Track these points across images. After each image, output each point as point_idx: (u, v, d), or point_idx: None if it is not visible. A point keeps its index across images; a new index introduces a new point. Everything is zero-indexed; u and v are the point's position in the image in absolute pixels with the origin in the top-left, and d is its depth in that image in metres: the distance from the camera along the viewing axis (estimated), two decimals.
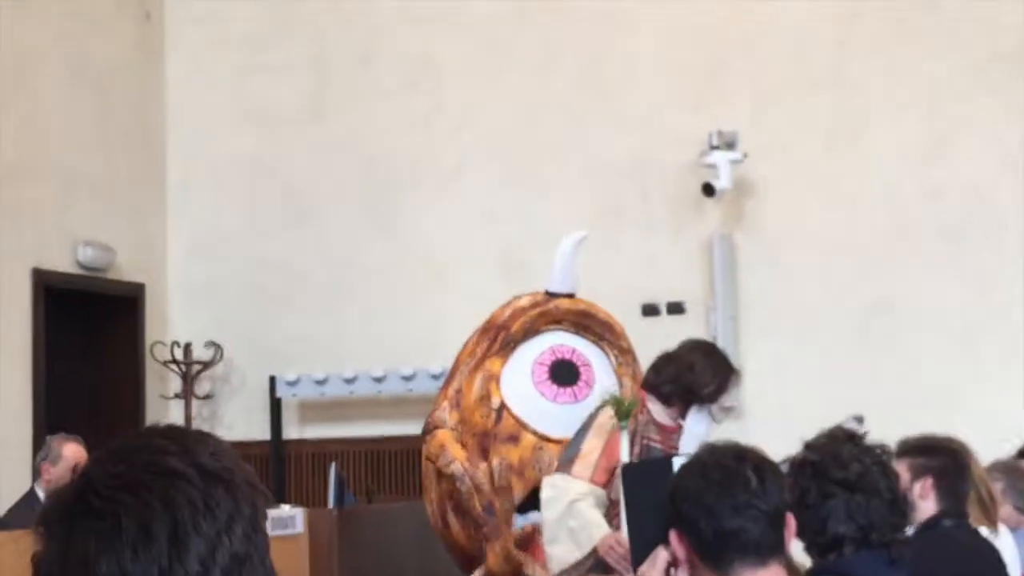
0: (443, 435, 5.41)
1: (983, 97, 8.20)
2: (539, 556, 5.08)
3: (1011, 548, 5.08)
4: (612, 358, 5.60)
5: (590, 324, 5.62)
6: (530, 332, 5.49)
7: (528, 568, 5.17)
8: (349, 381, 8.54)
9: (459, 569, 5.79)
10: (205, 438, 1.73)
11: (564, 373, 5.43)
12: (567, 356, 5.46)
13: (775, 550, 2.62)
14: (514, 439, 5.32)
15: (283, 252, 8.84)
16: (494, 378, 5.43)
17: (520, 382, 5.43)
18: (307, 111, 8.90)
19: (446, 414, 5.47)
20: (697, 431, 5.13)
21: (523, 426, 5.33)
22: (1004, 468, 5.58)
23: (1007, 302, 8.09)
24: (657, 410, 5.10)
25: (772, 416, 7.99)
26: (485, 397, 5.41)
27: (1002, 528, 5.05)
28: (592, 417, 5.08)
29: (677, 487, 2.67)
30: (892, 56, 8.30)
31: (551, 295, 5.68)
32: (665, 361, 5.26)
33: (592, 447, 4.97)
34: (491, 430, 5.35)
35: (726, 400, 5.20)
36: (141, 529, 1.63)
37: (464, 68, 8.76)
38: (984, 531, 4.65)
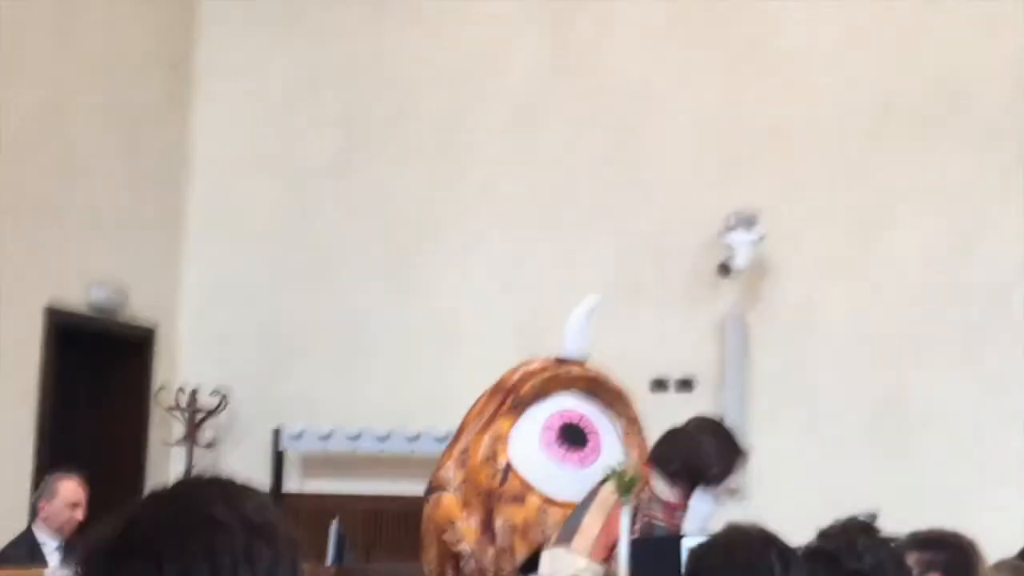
0: (449, 503, 5.38)
1: (1007, 200, 8.22)
2: None
3: None
4: (620, 427, 5.60)
5: (600, 391, 5.63)
6: (540, 395, 5.50)
7: None
8: (353, 437, 8.52)
9: None
10: (251, 492, 1.75)
11: (572, 437, 5.43)
12: (576, 421, 5.47)
13: None
14: (519, 500, 5.30)
15: (297, 305, 8.84)
16: (502, 438, 5.42)
17: (528, 444, 5.42)
18: (333, 167, 8.93)
19: (451, 473, 5.45)
20: (701, 511, 5.11)
21: (529, 488, 5.30)
22: (1009, 567, 5.53)
23: (1019, 405, 8.06)
24: (661, 487, 5.08)
25: (775, 501, 7.94)
26: (492, 457, 5.40)
27: None
28: (594, 491, 5.06)
29: (700, 566, 2.65)
30: (919, 153, 8.33)
31: (562, 360, 5.69)
32: (672, 438, 5.24)
33: (593, 522, 4.94)
34: (496, 490, 5.33)
35: (732, 482, 5.20)
36: (181, 574, 1.63)
37: (493, 136, 8.80)
38: None
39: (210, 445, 8.82)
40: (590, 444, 5.41)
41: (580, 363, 5.70)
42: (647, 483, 5.05)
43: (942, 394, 8.13)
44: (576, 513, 5.04)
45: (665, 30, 8.69)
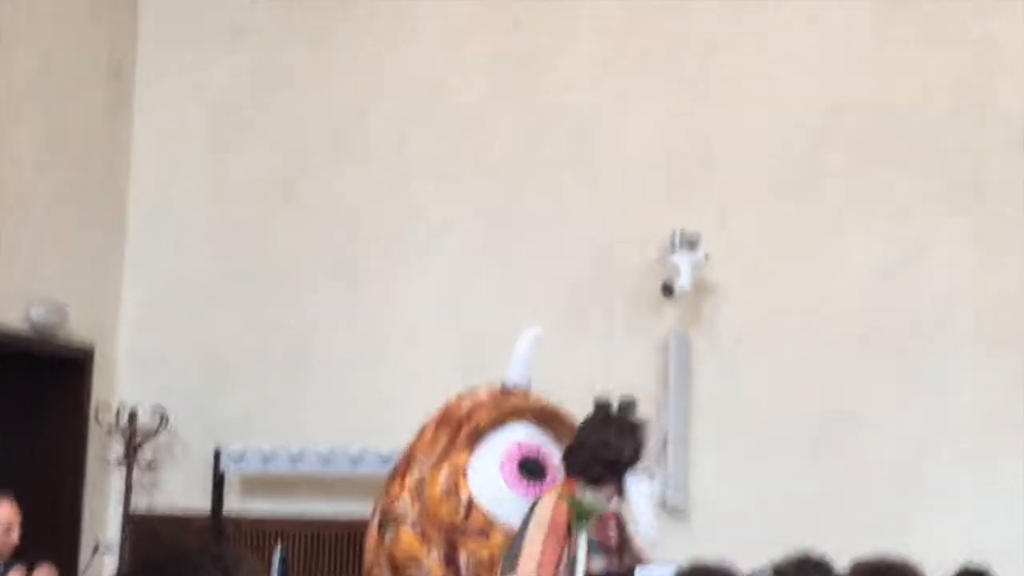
0: (409, 539, 5.35)
1: (949, 220, 8.32)
2: None
3: None
4: None
5: (551, 421, 5.64)
6: (495, 425, 5.49)
7: None
8: (295, 458, 8.44)
9: None
10: (243, 562, 1.74)
11: (532, 469, 5.43)
12: (534, 453, 5.47)
13: None
14: (484, 534, 5.29)
15: (239, 324, 8.76)
16: (461, 471, 5.40)
17: (489, 477, 5.41)
18: (278, 185, 8.86)
19: (407, 505, 5.42)
20: (642, 495, 5.15)
21: (493, 521, 5.29)
22: None
23: (959, 423, 8.16)
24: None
25: (719, 522, 8.00)
26: (452, 491, 5.37)
27: None
28: (529, 513, 5.07)
29: None
30: (860, 174, 8.42)
31: (507, 389, 5.70)
32: (576, 447, 5.29)
33: (534, 543, 4.94)
34: (460, 524, 5.31)
35: (649, 455, 5.26)
36: None
37: (438, 157, 8.76)
38: None
39: (149, 466, 8.72)
40: (549, 476, 5.42)
41: (524, 392, 5.72)
42: (608, 517, 5.07)
43: (885, 413, 8.20)
44: (516, 539, 5.04)
45: (610, 53, 8.72)
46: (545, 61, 8.76)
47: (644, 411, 8.04)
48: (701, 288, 8.37)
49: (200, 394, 8.71)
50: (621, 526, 5.17)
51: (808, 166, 8.47)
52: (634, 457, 5.21)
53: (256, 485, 8.69)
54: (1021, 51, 8.36)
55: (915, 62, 8.44)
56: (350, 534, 8.41)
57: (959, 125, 8.35)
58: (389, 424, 8.35)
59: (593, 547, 5.04)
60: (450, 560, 5.37)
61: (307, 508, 8.59)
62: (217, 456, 8.49)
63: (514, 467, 5.46)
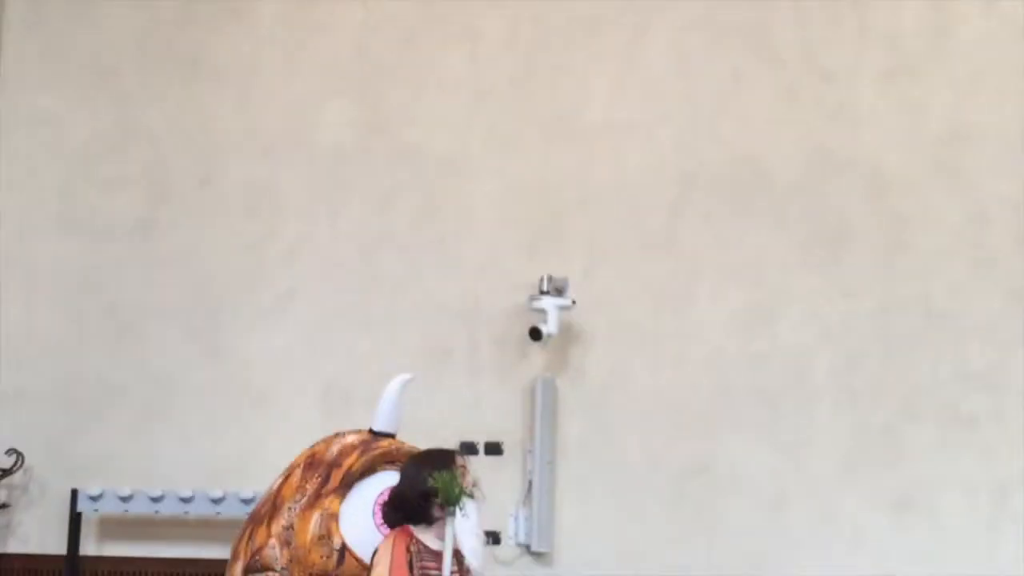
0: None
1: (807, 273, 8.53)
2: None
3: None
4: None
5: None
6: (367, 471, 5.46)
7: None
8: (156, 499, 8.32)
9: None
10: None
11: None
12: None
13: None
14: None
15: (99, 364, 8.62)
16: (334, 517, 5.36)
17: (361, 523, 5.38)
18: (138, 225, 8.76)
19: (276, 551, 5.35)
20: (464, 529, 5.14)
21: (366, 567, 5.26)
22: None
23: (817, 472, 8.33)
24: (426, 537, 5.13)
25: (582, 566, 8.05)
26: (325, 537, 5.33)
27: None
28: (375, 552, 5.12)
29: None
30: (723, 226, 8.59)
31: (375, 434, 5.69)
32: (398, 490, 5.29)
33: (380, 571, 4.98)
34: (332, 571, 5.28)
35: (467, 480, 5.24)
36: None
37: (302, 198, 8.76)
38: None
39: (4, 506, 8.52)
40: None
41: (391, 435, 5.73)
42: (413, 538, 5.08)
43: (743, 461, 8.35)
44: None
45: (476, 98, 8.80)
46: (410, 106, 8.81)
47: (509, 454, 8.16)
48: (568, 334, 8.46)
49: (57, 435, 8.54)
50: (459, 560, 5.17)
51: (671, 218, 8.63)
52: (451, 496, 5.19)
53: (115, 527, 8.53)
54: (876, 112, 8.63)
55: (775, 120, 8.66)
56: (210, 575, 8.30)
57: (817, 182, 8.59)
58: (252, 468, 8.30)
59: None
60: None
61: (167, 551, 8.45)
62: (74, 496, 8.32)
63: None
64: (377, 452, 5.54)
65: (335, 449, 5.60)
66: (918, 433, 8.33)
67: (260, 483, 8.14)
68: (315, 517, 5.41)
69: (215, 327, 8.69)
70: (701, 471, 8.36)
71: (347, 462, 5.50)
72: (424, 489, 5.09)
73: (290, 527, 5.42)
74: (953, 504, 8.20)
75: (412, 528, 5.13)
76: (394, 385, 5.85)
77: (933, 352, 8.41)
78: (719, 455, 8.38)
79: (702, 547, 8.18)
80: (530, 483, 8.30)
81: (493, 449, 8.37)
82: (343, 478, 5.45)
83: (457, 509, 4.97)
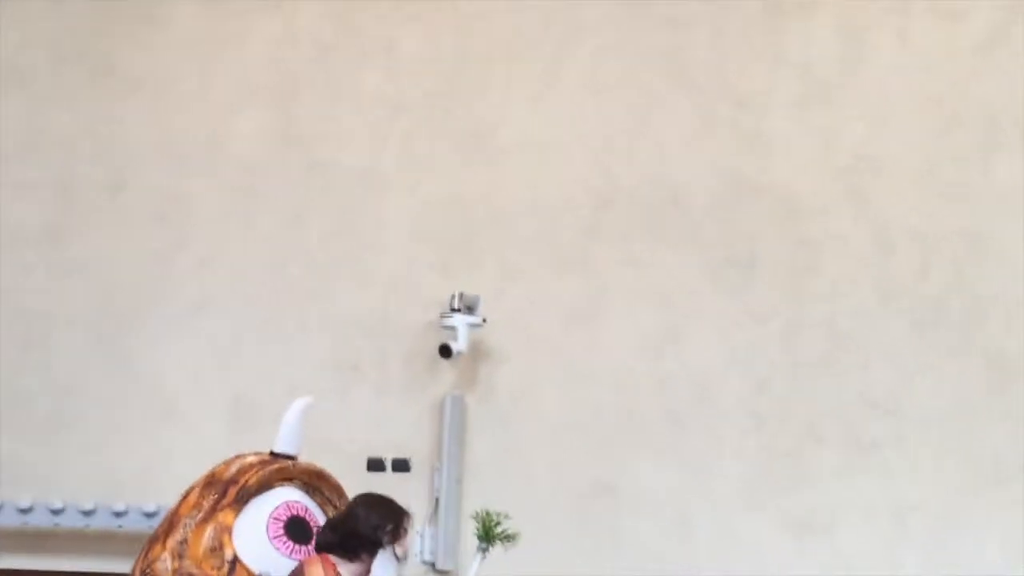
0: None
1: (716, 296, 8.60)
2: None
3: None
4: None
5: (321, 486, 5.69)
6: (264, 487, 5.49)
7: None
8: (56, 512, 8.21)
9: None
10: None
11: (299, 530, 5.45)
12: (302, 514, 5.49)
13: None
14: None
15: (2, 371, 8.49)
16: (227, 530, 5.37)
17: (254, 536, 5.39)
18: (46, 231, 8.66)
19: (167, 563, 5.34)
20: (387, 574, 5.26)
21: None
22: None
23: (722, 494, 8.41)
24: (345, 571, 5.21)
25: None
26: (217, 549, 5.33)
27: None
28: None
29: None
30: (635, 248, 8.65)
31: (276, 455, 5.73)
32: (340, 520, 5.42)
33: None
34: None
35: (405, 542, 5.37)
36: None
37: (212, 209, 8.70)
38: None
39: None
40: (314, 539, 5.46)
41: (293, 457, 5.76)
42: (333, 571, 5.12)
43: (649, 481, 8.39)
44: None
45: (391, 113, 8.79)
46: (323, 119, 8.78)
47: (417, 470, 8.14)
48: (478, 351, 8.47)
49: None
50: None
51: (584, 238, 8.67)
52: (392, 536, 5.39)
53: (13, 540, 8.41)
54: (788, 138, 8.74)
55: (689, 144, 8.73)
56: None
57: (730, 206, 8.67)
58: (157, 480, 8.22)
59: None
60: None
61: (68, 564, 8.34)
62: None
63: (280, 527, 5.47)
64: (274, 468, 5.58)
65: (234, 468, 5.62)
66: (822, 457, 8.43)
67: (164, 496, 8.08)
68: (208, 530, 5.42)
69: (123, 337, 8.60)
70: (607, 491, 8.40)
71: (243, 478, 5.52)
72: (376, 525, 5.16)
73: (184, 541, 5.41)
74: (853, 528, 8.30)
75: (335, 560, 5.21)
76: (295, 409, 5.90)
77: (838, 376, 8.51)
78: (625, 475, 8.42)
79: (607, 567, 8.22)
80: (437, 500, 8.30)
81: (401, 465, 8.34)
82: (239, 493, 5.46)
83: (485, 548, 5.03)
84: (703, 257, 8.62)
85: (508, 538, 5.25)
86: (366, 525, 5.26)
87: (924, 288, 8.52)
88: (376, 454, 8.22)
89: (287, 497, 5.52)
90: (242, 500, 5.46)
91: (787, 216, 8.66)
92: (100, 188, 8.72)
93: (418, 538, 8.28)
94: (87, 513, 8.18)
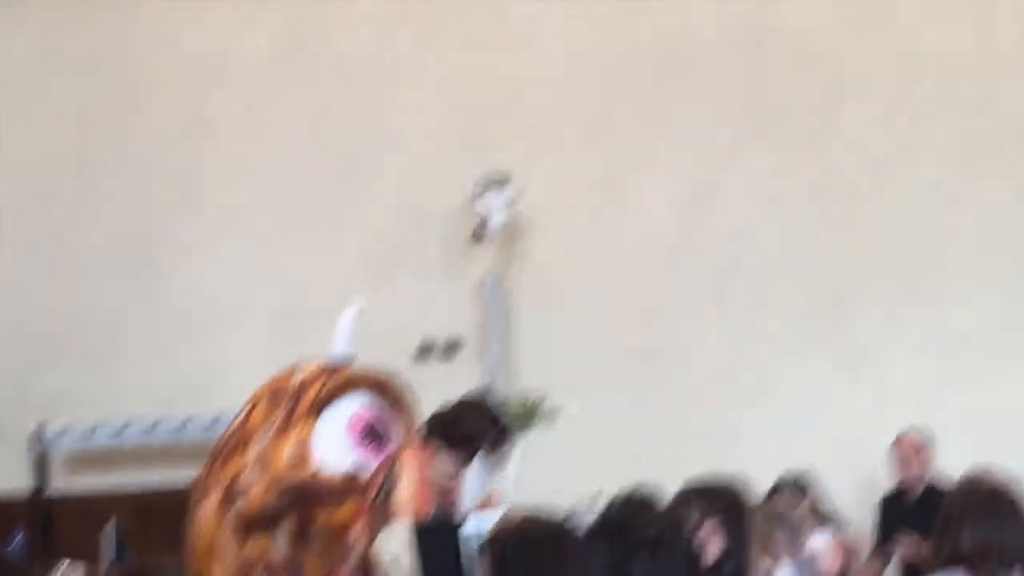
0: (260, 505, 5.34)
1: (743, 149, 8.58)
2: None
3: None
4: (402, 427, 5.67)
5: (388, 390, 5.72)
6: (335, 395, 5.52)
7: None
8: (119, 431, 8.36)
9: None
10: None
11: (376, 436, 5.48)
12: (375, 419, 5.53)
13: None
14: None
15: (48, 300, 8.59)
16: (306, 441, 5.41)
17: (335, 445, 5.43)
18: (74, 158, 8.68)
19: (254, 475, 5.40)
20: (475, 484, 5.21)
21: (341, 488, 5.31)
22: (763, 505, 5.85)
23: (766, 345, 8.47)
24: (438, 468, 5.16)
25: (546, 458, 8.15)
26: (300, 461, 5.37)
27: (781, 565, 5.31)
28: (390, 468, 5.15)
29: (503, 558, 2.74)
30: (656, 109, 8.62)
31: (335, 362, 5.75)
32: (441, 417, 5.39)
33: (407, 486, 5.00)
34: (310, 486, 5.33)
35: (503, 453, 5.27)
36: None
37: (235, 117, 8.69)
38: (763, 568, 4.88)
39: None
40: (392, 441, 5.46)
41: (351, 363, 5.79)
42: (424, 465, 5.13)
43: (691, 341, 8.47)
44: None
45: (403, 4, 8.72)
46: (337, 10, 8.71)
47: (465, 353, 8.23)
48: (513, 229, 8.49)
49: (15, 375, 8.53)
50: None
51: (607, 104, 8.64)
52: (492, 445, 5.24)
53: (81, 462, 8.57)
54: None
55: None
56: (178, 502, 8.33)
57: (749, 57, 8.61)
58: (212, 391, 8.33)
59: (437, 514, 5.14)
60: (301, 528, 5.41)
61: (134, 481, 8.50)
62: (38, 434, 8.34)
63: (358, 435, 5.52)
64: (342, 376, 5.59)
65: (298, 378, 5.63)
66: (866, 298, 8.48)
67: (220, 406, 8.20)
68: (288, 443, 5.45)
69: (161, 256, 8.66)
70: (651, 353, 8.47)
71: (312, 389, 5.55)
72: (480, 430, 5.11)
73: (263, 455, 5.47)
74: (903, 366, 8.37)
75: (434, 452, 5.17)
76: (349, 313, 5.89)
77: (876, 216, 8.52)
78: (668, 336, 8.48)
79: (658, 427, 8.31)
80: (488, 381, 8.38)
81: (451, 348, 8.42)
82: (312, 404, 5.49)
83: (525, 432, 4.95)
84: (727, 111, 8.58)
85: (548, 416, 5.18)
86: (471, 427, 5.18)
87: (954, 112, 8.48)
88: (422, 342, 8.31)
89: (359, 404, 5.55)
90: (316, 410, 5.48)
91: (811, 58, 8.59)
92: (122, 111, 8.71)
93: None
94: (149, 429, 8.33)
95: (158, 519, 8.40)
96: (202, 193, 8.66)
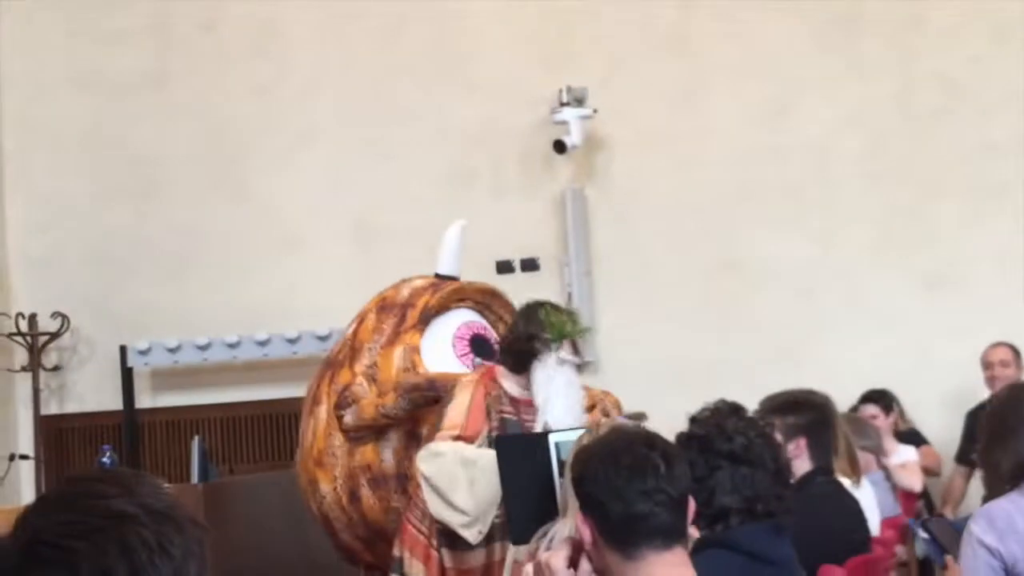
0: (372, 409, 5.41)
1: (822, 58, 8.47)
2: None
3: (870, 495, 5.34)
4: None
5: (493, 303, 5.76)
6: (443, 308, 5.57)
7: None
8: (202, 348, 8.45)
9: (345, 561, 5.82)
10: (143, 477, 1.72)
11: (482, 348, 5.53)
12: (481, 332, 5.59)
13: (680, 534, 2.72)
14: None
15: (128, 220, 8.67)
16: (416, 351, 5.46)
17: (442, 355, 5.49)
18: (149, 77, 8.72)
19: (364, 387, 5.48)
20: (550, 384, 5.08)
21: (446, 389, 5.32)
22: (846, 419, 5.82)
23: (847, 257, 8.41)
24: (509, 383, 5.11)
25: (625, 371, 8.18)
26: (410, 369, 5.43)
27: (864, 480, 5.29)
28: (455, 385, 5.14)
29: (585, 471, 2.74)
30: (732, 19, 8.51)
31: (441, 277, 5.79)
32: (504, 335, 5.32)
33: (460, 404, 4.99)
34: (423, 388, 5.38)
35: (566, 350, 5.13)
36: (100, 574, 1.62)
37: (310, 33, 8.69)
38: (847, 482, 4.86)
39: (56, 368, 8.69)
40: (497, 353, 5.48)
41: (456, 278, 5.83)
42: (495, 380, 5.10)
43: (771, 254, 8.42)
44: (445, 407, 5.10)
45: None
46: None
47: (546, 268, 8.22)
48: (591, 143, 8.46)
49: (99, 293, 8.65)
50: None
51: (682, 15, 8.55)
52: (548, 341, 5.10)
53: (166, 379, 8.71)
54: None
55: None
56: (264, 416, 8.51)
57: None
58: (293, 307, 8.41)
59: (513, 427, 5.08)
60: (411, 433, 5.46)
61: (219, 397, 8.62)
62: (123, 352, 8.47)
63: (465, 345, 5.57)
64: (451, 289, 5.63)
65: (405, 292, 5.69)
66: (946, 209, 8.37)
67: (303, 322, 8.31)
68: (397, 352, 5.50)
69: (237, 173, 8.70)
70: (731, 266, 8.44)
71: (421, 301, 5.58)
72: (530, 335, 5.01)
73: (373, 365, 5.52)
74: (985, 275, 8.26)
75: (498, 372, 5.11)
76: (453, 230, 5.96)
77: (955, 125, 8.38)
78: (747, 249, 8.44)
79: (738, 342, 8.29)
80: (569, 295, 8.38)
81: (529, 265, 8.39)
82: (420, 314, 5.53)
83: (558, 346, 4.90)
84: (803, 20, 8.46)
85: (582, 332, 5.09)
86: (519, 337, 5.06)
87: None
88: (503, 257, 8.30)
89: (465, 317, 5.60)
90: (424, 321, 5.53)
91: None
92: (195, 28, 8.74)
93: None
94: (232, 346, 8.42)
95: (242, 434, 8.58)
96: (279, 109, 8.67)
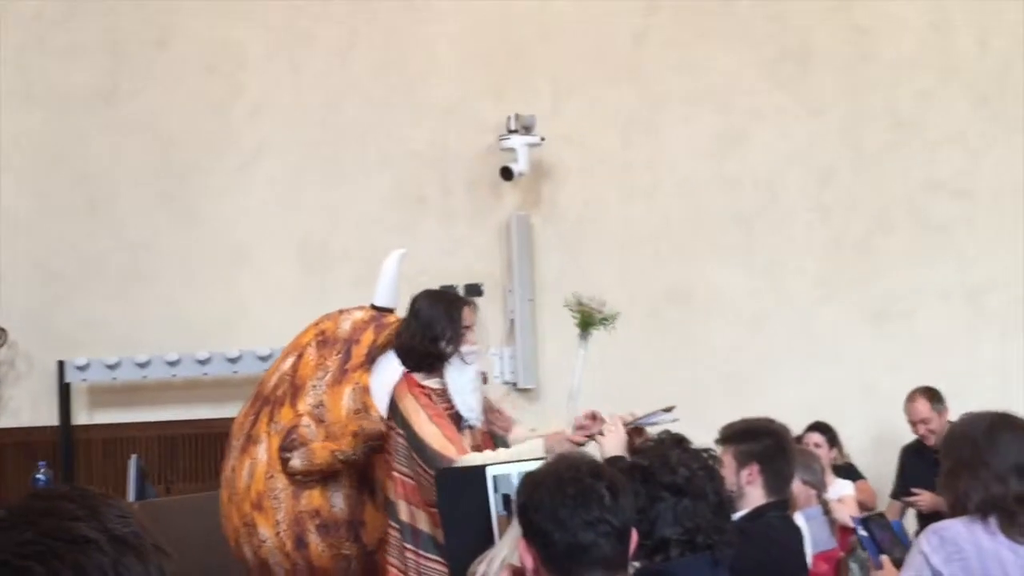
0: (324, 456, 5.32)
1: (773, 93, 8.51)
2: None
3: (804, 530, 5.31)
4: None
5: None
6: (389, 345, 5.42)
7: None
8: (142, 365, 8.36)
9: None
10: (111, 501, 1.69)
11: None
12: None
13: (621, 566, 2.71)
14: None
15: (74, 235, 8.58)
16: (367, 391, 5.36)
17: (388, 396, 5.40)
18: (100, 93, 8.64)
19: (311, 429, 5.36)
20: (462, 383, 5.06)
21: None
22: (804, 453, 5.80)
23: (795, 289, 8.44)
24: (428, 381, 5.07)
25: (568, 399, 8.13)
26: (362, 410, 5.33)
27: (798, 515, 5.27)
28: (396, 407, 5.09)
29: (530, 499, 2.72)
30: (687, 51, 8.54)
31: (378, 309, 5.72)
32: (397, 335, 5.21)
33: (431, 431, 4.91)
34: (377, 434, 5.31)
35: (471, 342, 5.12)
36: None
37: (262, 53, 8.65)
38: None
39: None
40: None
41: (392, 310, 5.74)
42: (415, 387, 5.06)
43: (721, 284, 8.43)
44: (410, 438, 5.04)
45: None
46: None
47: (490, 295, 8.20)
48: (539, 171, 8.45)
49: (38, 309, 8.54)
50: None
51: (635, 46, 8.57)
52: (454, 341, 5.08)
53: (104, 396, 8.60)
54: None
55: None
56: (201, 435, 8.42)
57: (776, 2, 8.51)
58: (236, 327, 8.35)
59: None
60: (362, 476, 5.39)
61: (158, 415, 8.52)
62: (61, 368, 8.37)
63: (415, 383, 5.51)
64: (394, 327, 5.50)
65: (347, 326, 5.58)
66: (892, 244, 8.43)
67: (244, 342, 8.24)
68: (347, 392, 5.39)
69: (186, 190, 8.63)
70: (678, 297, 8.46)
71: (365, 337, 5.49)
72: (434, 337, 5.01)
73: (320, 404, 5.40)
74: (930, 311, 8.33)
75: (415, 376, 5.06)
76: (391, 261, 5.86)
77: (902, 162, 8.45)
78: (696, 280, 8.46)
79: (685, 372, 8.30)
80: (512, 322, 8.37)
81: (473, 291, 8.41)
82: (368, 353, 5.43)
83: (586, 337, 4.95)
84: (756, 55, 8.51)
85: (607, 320, 5.14)
86: (423, 343, 5.02)
87: (983, 61, 8.39)
88: (447, 282, 8.28)
89: None
90: (371, 360, 5.40)
91: (839, 3, 8.50)
92: (147, 44, 8.67)
93: (496, 359, 8.38)
94: (172, 364, 8.33)
95: (180, 453, 8.48)
96: (230, 127, 8.62)
